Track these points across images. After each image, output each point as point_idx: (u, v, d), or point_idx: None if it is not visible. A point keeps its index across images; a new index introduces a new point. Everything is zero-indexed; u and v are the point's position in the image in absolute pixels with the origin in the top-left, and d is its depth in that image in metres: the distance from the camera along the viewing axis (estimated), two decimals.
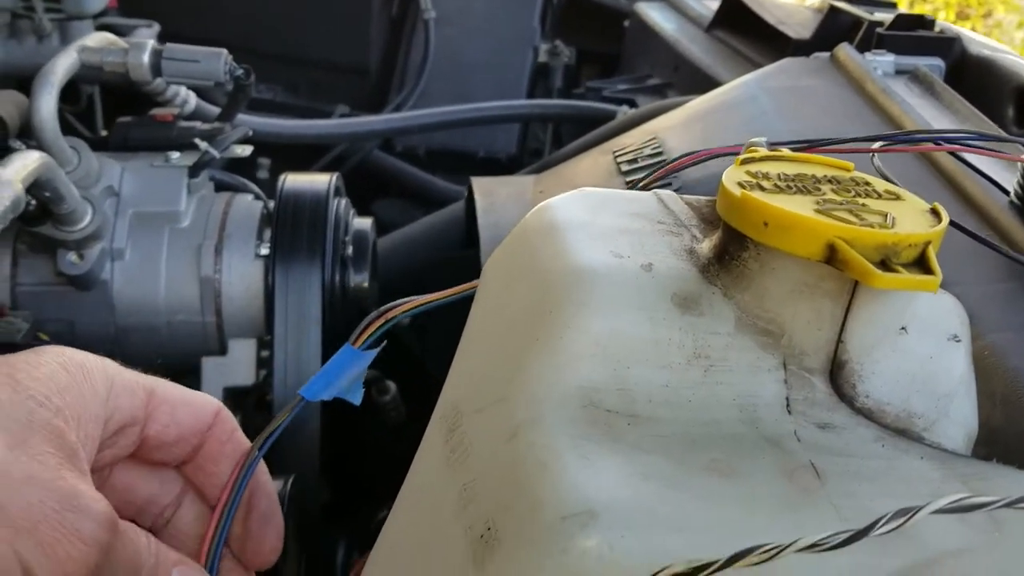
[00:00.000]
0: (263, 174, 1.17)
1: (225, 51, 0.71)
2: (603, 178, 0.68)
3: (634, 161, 0.68)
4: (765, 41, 1.03)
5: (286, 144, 1.05)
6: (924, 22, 0.87)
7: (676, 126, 0.71)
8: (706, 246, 0.39)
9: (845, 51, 0.77)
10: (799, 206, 0.35)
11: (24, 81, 0.81)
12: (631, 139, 0.73)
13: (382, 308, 0.36)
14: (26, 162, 0.58)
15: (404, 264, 0.95)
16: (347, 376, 0.35)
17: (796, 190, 0.37)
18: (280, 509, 0.36)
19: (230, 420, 0.35)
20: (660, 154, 0.67)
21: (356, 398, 0.34)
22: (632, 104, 1.07)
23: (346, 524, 0.85)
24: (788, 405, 0.35)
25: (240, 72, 0.71)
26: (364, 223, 0.78)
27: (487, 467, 0.35)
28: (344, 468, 0.89)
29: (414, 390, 1.06)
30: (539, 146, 1.34)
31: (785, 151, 0.41)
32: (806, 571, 0.29)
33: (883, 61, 0.79)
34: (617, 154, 0.70)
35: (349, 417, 0.87)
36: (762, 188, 0.36)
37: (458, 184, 1.25)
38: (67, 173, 0.66)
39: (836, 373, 0.36)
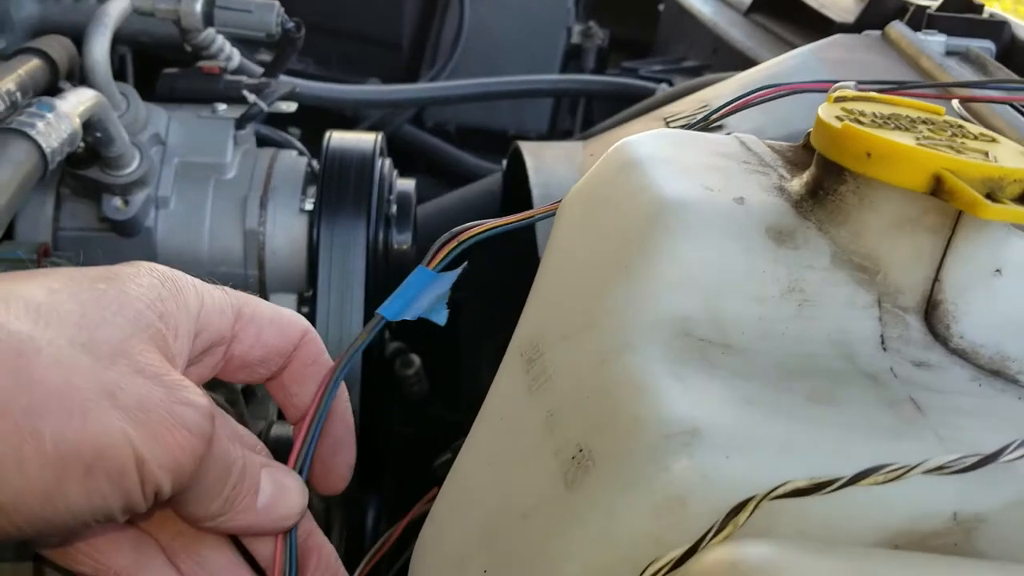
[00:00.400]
0: None
1: (277, 3, 0.70)
2: None
3: (687, 127, 0.67)
4: (806, 25, 1.02)
5: (318, 112, 1.04)
6: (973, 6, 0.86)
7: (730, 94, 0.70)
8: (797, 183, 0.38)
9: (897, 29, 0.76)
10: (901, 140, 0.34)
11: None
12: (682, 107, 0.72)
13: (455, 229, 0.35)
14: (81, 98, 0.57)
15: (438, 234, 0.95)
16: (427, 298, 0.33)
17: (894, 127, 0.36)
18: (354, 441, 0.36)
19: (317, 342, 0.34)
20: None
21: (441, 318, 0.33)
22: (670, 84, 1.06)
23: (372, 490, 0.85)
24: (883, 342, 0.34)
25: (291, 25, 0.71)
26: (407, 184, 0.78)
27: (575, 392, 0.34)
28: (369, 436, 0.88)
29: (437, 365, 1.06)
30: (568, 127, 1.33)
31: (875, 93, 0.40)
32: (917, 496, 0.28)
33: (934, 41, 0.78)
34: (669, 120, 0.69)
35: (373, 387, 0.86)
36: (860, 123, 0.36)
37: (487, 161, 1.24)
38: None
39: (930, 313, 0.35)
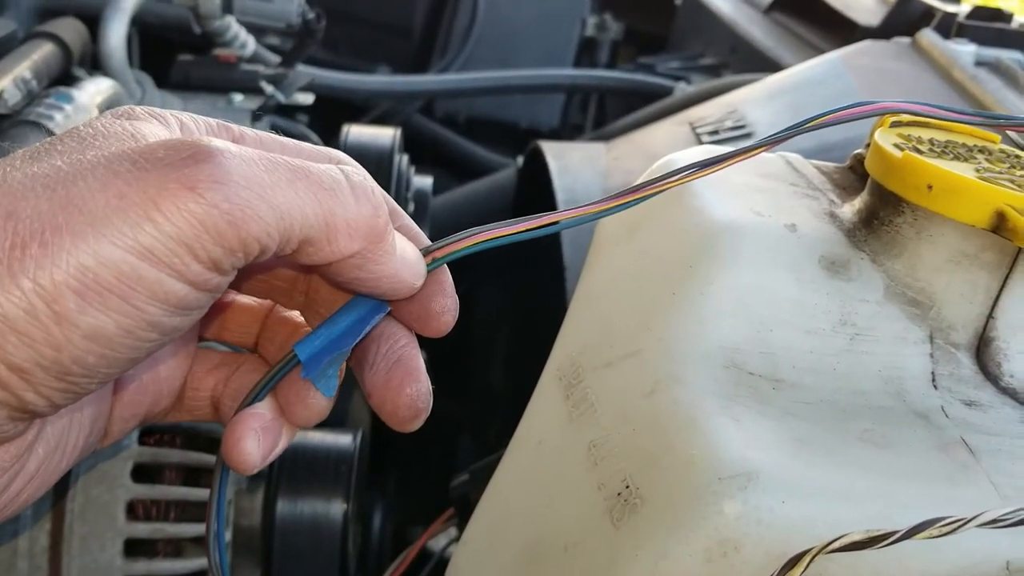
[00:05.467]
0: None
1: None
2: (681, 147, 0.66)
3: (715, 132, 0.66)
4: (828, 27, 1.01)
5: (326, 99, 1.01)
6: (1002, 15, 0.85)
7: (758, 99, 0.69)
8: (848, 210, 0.37)
9: (929, 37, 0.75)
10: (962, 172, 0.33)
11: None
12: (708, 111, 0.71)
13: (462, 233, 0.29)
14: (100, 88, 0.56)
15: (448, 230, 0.93)
16: (346, 339, 0.28)
17: (953, 156, 0.35)
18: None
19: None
20: (743, 126, 0.66)
21: (329, 388, 0.28)
22: (687, 82, 1.05)
23: (378, 491, 0.84)
24: (934, 380, 0.34)
25: (312, 16, 0.69)
26: (425, 182, 0.76)
27: (620, 423, 0.33)
28: (373, 438, 0.88)
29: (441, 358, 1.04)
30: (579, 122, 1.31)
31: (930, 118, 0.39)
32: (970, 545, 0.28)
33: (964, 51, 0.77)
34: (696, 125, 0.68)
35: None
36: (919, 152, 0.35)
37: (497, 155, 1.22)
38: None
39: (981, 350, 0.35)
